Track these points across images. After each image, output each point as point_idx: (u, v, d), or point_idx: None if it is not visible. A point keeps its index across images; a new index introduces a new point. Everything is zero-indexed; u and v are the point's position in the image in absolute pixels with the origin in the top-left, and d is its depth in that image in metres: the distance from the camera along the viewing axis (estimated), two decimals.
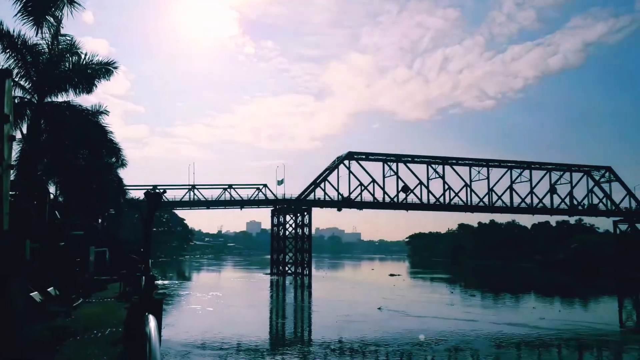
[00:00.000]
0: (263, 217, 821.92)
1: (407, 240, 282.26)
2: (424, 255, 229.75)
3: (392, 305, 36.71)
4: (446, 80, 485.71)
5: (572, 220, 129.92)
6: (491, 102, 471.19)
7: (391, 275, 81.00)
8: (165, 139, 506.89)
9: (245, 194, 76.06)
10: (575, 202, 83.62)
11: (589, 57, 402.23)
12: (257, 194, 75.43)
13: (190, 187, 75.03)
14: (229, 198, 75.45)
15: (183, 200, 75.24)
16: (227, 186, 75.61)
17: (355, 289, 55.35)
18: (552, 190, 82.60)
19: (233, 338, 23.70)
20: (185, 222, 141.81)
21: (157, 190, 14.61)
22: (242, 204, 76.30)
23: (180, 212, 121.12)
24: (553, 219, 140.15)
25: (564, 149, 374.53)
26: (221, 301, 39.65)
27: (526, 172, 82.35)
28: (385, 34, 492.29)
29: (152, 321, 4.67)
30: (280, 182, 76.41)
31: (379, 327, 27.61)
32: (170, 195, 74.31)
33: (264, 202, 76.14)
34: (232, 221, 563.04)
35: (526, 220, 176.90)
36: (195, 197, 75.30)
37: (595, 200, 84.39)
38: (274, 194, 75.28)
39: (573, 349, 24.66)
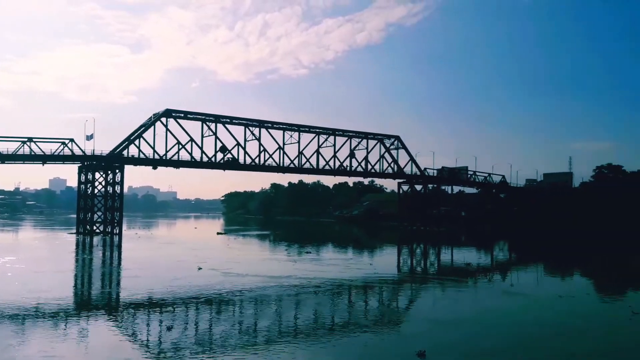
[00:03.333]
0: (69, 174, 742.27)
1: (223, 198, 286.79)
2: (238, 212, 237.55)
3: (224, 266, 35.82)
4: (265, 46, 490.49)
5: (366, 181, 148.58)
6: (305, 70, 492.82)
7: (219, 233, 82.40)
8: None
9: (49, 148, 69.52)
10: (369, 166, 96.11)
11: (389, 37, 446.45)
12: (63, 149, 69.77)
13: None
14: (29, 152, 68.40)
15: None
16: (26, 139, 68.04)
17: (180, 248, 53.75)
18: (352, 154, 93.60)
19: (32, 305, 21.69)
20: None
21: None
22: (44, 159, 69.62)
23: None
24: (351, 180, 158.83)
25: (364, 118, 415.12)
26: (18, 265, 36.40)
27: (331, 138, 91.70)
28: None
29: None
30: (89, 137, 71.89)
31: (201, 289, 26.77)
32: None
33: (71, 158, 70.73)
34: (33, 178, 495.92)
35: (329, 181, 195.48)
36: None
37: (385, 165, 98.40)
38: (82, 150, 70.64)
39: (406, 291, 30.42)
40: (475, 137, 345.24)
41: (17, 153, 67.91)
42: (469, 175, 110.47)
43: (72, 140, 70.13)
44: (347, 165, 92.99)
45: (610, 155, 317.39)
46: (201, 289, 26.67)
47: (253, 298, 25.00)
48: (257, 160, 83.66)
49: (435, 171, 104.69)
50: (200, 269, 34.25)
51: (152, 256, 45.16)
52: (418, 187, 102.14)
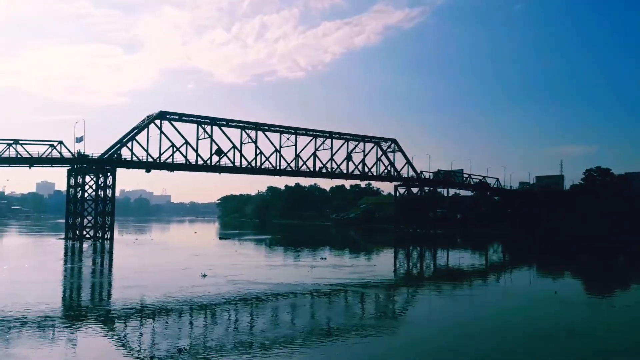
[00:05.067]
0: (58, 177, 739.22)
1: (218, 202, 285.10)
2: (234, 216, 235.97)
3: (230, 273, 33.97)
4: (263, 48, 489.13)
5: (363, 184, 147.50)
6: (302, 73, 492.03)
7: (222, 238, 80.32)
8: None
9: (36, 151, 67.69)
10: (366, 169, 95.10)
11: (387, 39, 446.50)
12: (51, 152, 68.18)
13: None
14: (15, 155, 66.65)
15: None
16: (12, 141, 66.21)
17: (181, 254, 50.32)
18: (348, 157, 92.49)
19: (19, 314, 20.49)
20: None
21: None
22: (31, 162, 67.85)
23: None
24: (348, 183, 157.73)
25: (361, 121, 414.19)
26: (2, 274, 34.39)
27: (328, 141, 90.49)
28: None
29: None
30: (79, 140, 70.17)
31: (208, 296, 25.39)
32: None
33: (60, 161, 69.04)
34: (19, 181, 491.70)
35: (326, 184, 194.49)
36: None
37: (382, 168, 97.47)
38: (71, 153, 69.15)
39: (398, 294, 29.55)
40: (470, 140, 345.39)
41: (2, 156, 65.89)
42: (464, 178, 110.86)
43: (61, 142, 68.61)
44: (344, 168, 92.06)
45: (598, 158, 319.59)
46: (210, 298, 24.90)
47: (272, 306, 23.69)
48: (253, 163, 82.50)
49: (431, 174, 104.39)
50: (204, 276, 32.33)
51: (153, 263, 42.80)
52: (414, 190, 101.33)
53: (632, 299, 26.85)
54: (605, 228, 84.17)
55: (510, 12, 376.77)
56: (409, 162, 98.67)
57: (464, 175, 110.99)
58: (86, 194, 71.21)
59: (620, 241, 73.79)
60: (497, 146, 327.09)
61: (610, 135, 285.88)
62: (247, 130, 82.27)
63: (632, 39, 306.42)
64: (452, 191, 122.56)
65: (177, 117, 76.08)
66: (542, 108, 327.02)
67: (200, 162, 77.62)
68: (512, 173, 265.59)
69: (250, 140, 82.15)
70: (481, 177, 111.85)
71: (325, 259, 45.96)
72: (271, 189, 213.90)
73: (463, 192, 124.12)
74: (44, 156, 67.98)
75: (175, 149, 74.74)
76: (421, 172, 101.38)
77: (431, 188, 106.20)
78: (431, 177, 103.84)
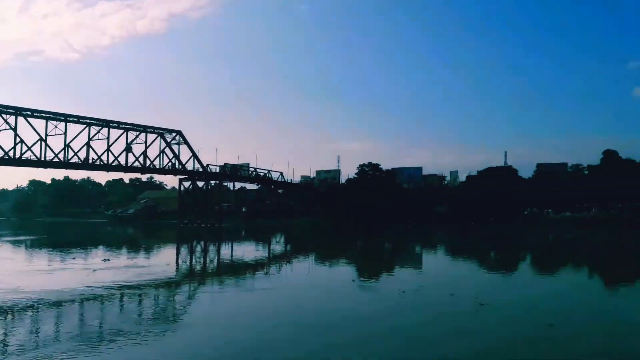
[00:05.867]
0: None
1: None
2: None
3: None
4: (28, 24, 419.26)
5: (145, 177, 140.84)
6: (76, 55, 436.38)
7: None
8: None
9: None
10: (148, 161, 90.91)
11: (172, 28, 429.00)
12: None
13: None
14: None
15: None
16: None
17: None
18: (128, 148, 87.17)
19: None
20: None
21: None
22: None
23: None
24: (127, 177, 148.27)
25: (144, 111, 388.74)
26: None
27: (104, 130, 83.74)
28: None
29: None
30: None
31: None
32: None
33: None
34: None
35: (102, 178, 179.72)
36: None
37: (166, 160, 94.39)
38: None
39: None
40: (256, 134, 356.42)
41: None
42: (250, 172, 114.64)
43: None
44: (122, 161, 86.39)
45: (373, 154, 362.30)
46: None
47: (36, 317, 20.11)
48: (11, 153, 72.21)
49: (217, 167, 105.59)
50: None
51: None
52: (200, 184, 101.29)
53: (406, 285, 26.97)
54: (376, 216, 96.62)
55: (297, 12, 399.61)
56: (194, 155, 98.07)
57: (250, 169, 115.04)
58: None
59: (389, 227, 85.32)
60: (281, 141, 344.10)
61: (384, 133, 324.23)
62: (4, 115, 72.30)
63: (390, 43, 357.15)
64: (238, 185, 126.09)
65: None
66: (323, 106, 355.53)
67: None
68: (294, 167, 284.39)
69: (8, 127, 72.44)
70: (266, 171, 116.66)
71: (109, 260, 42.52)
72: (34, 183, 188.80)
73: (249, 186, 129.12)
74: None
75: None
76: (207, 165, 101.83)
77: (217, 182, 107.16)
78: (218, 171, 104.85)
